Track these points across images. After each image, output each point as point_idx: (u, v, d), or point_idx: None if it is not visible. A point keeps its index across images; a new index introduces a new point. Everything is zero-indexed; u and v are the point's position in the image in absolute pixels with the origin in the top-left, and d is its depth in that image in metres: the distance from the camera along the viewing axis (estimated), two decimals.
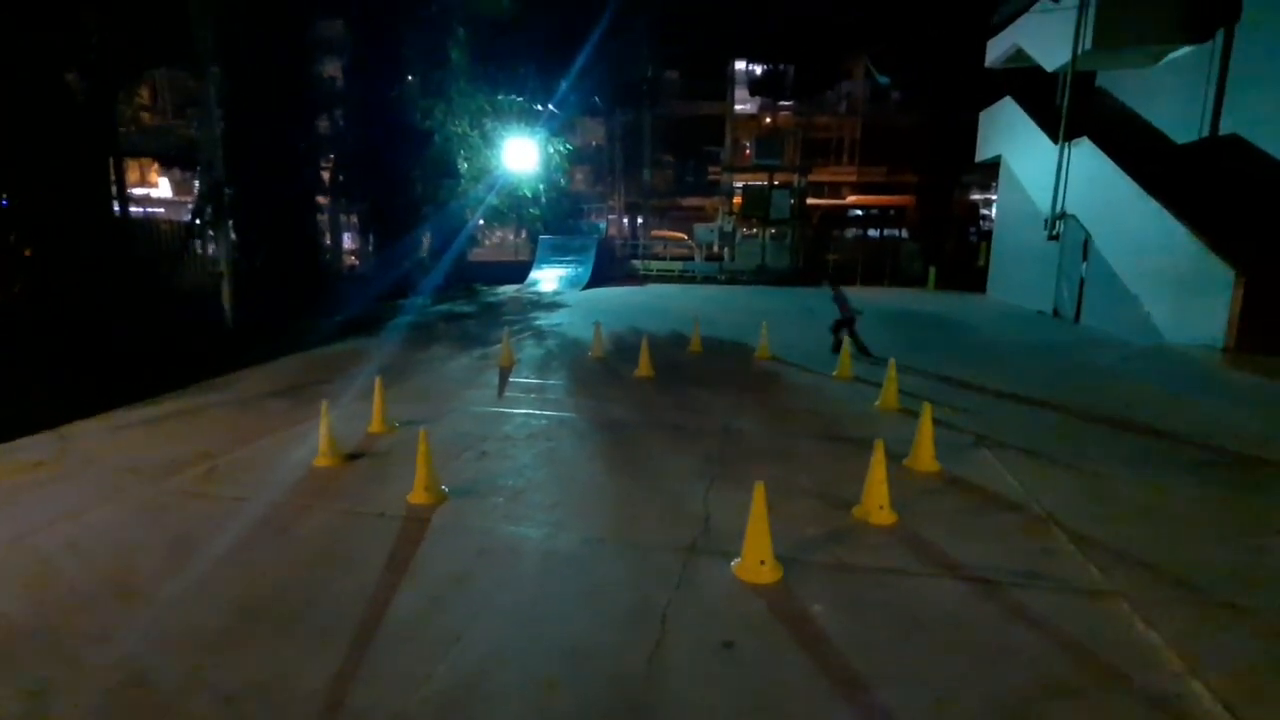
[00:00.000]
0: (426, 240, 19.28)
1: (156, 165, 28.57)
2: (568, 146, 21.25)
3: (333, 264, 18.12)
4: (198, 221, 10.79)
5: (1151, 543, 4.32)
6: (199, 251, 12.07)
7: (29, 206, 7.79)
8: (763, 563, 3.84)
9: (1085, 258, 14.39)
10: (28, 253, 7.77)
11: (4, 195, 7.70)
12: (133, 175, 29.96)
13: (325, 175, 17.16)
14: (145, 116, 23.86)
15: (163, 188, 30.98)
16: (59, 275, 8.00)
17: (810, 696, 2.90)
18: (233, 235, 11.10)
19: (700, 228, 27.91)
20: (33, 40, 7.65)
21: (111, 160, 9.46)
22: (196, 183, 14.11)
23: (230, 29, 11.49)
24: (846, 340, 9.77)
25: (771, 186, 24.87)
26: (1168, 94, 15.41)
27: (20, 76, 7.54)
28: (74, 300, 8.20)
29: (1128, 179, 12.98)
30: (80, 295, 8.29)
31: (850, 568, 3.99)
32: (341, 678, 2.98)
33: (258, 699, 2.85)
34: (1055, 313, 15.61)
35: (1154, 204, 12.06)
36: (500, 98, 18.39)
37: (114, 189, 9.51)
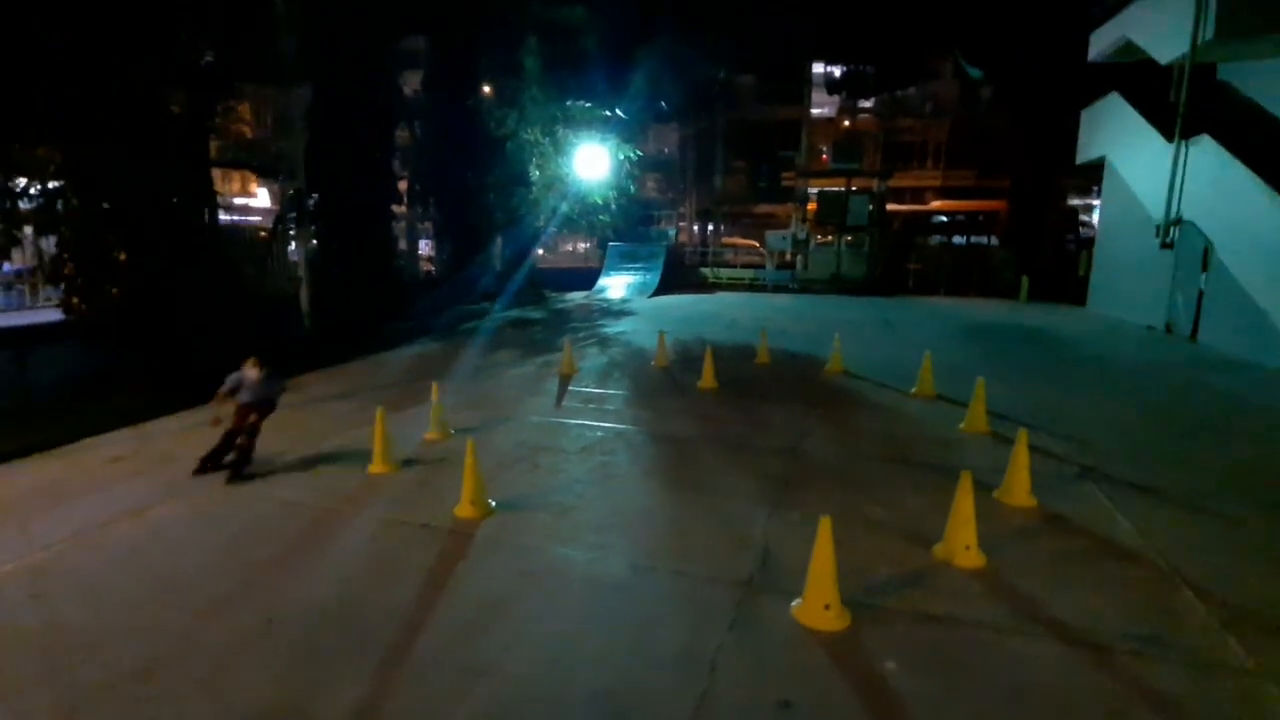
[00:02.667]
0: (498, 247, 19.57)
1: (256, 177, 30.51)
2: (638, 153, 21.09)
3: (408, 271, 18.64)
4: (280, 229, 11.25)
5: None
6: (284, 259, 12.61)
7: (125, 214, 8.25)
8: (827, 607, 3.42)
9: (1205, 268, 12.95)
10: (122, 258, 8.23)
11: (104, 202, 8.18)
12: (234, 186, 32.15)
13: (402, 185, 17.70)
14: (245, 130, 25.40)
15: (262, 197, 33.05)
16: (152, 280, 8.43)
17: None
18: (313, 242, 11.51)
19: (772, 235, 27.19)
20: (132, 57, 8.11)
21: (202, 171, 9.95)
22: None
23: (316, 45, 11.97)
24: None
25: (849, 192, 23.92)
26: None
27: (119, 91, 8.00)
28: (165, 304, 8.62)
29: (1258, 180, 11.58)
30: (171, 300, 8.71)
31: (929, 618, 3.51)
32: (361, 709, 2.80)
33: None
34: (1168, 328, 14.14)
35: None
36: (570, 104, 18.46)
37: (205, 198, 10.00)
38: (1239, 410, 8.07)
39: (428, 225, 19.59)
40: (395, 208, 15.56)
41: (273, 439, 6.40)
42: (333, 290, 11.48)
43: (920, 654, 3.21)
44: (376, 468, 5.54)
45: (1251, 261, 11.70)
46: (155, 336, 8.41)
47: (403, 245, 19.43)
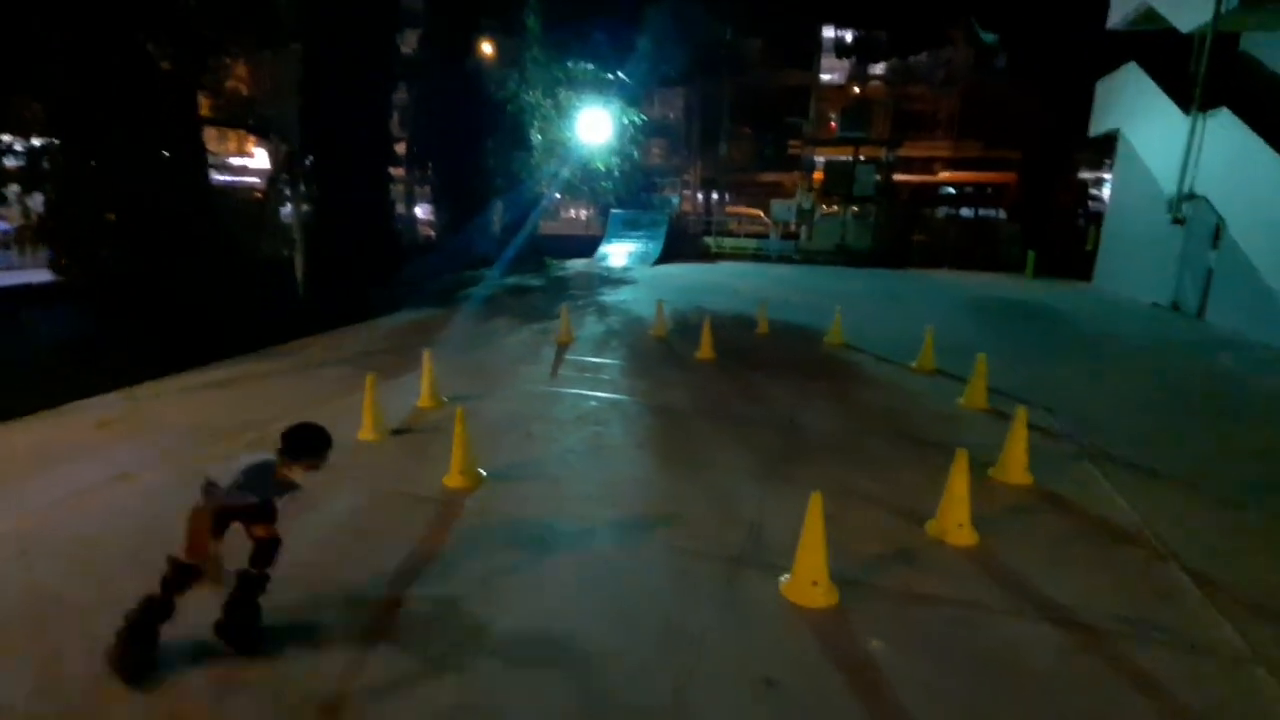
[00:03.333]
0: (498, 213, 19.28)
1: (253, 137, 30.02)
2: (642, 118, 20.64)
3: (405, 235, 18.39)
4: (275, 191, 11.04)
5: None
6: (279, 221, 12.41)
7: (113, 172, 8.06)
8: (815, 584, 3.38)
9: (1216, 245, 12.72)
10: (111, 217, 8.08)
11: (91, 159, 8.00)
12: (230, 145, 31.62)
13: (400, 147, 17.35)
14: (241, 89, 24.90)
15: (260, 158, 32.57)
16: (142, 241, 8.29)
17: None
18: (306, 205, 11.30)
19: (777, 204, 26.79)
20: (115, 9, 7.84)
21: (193, 129, 9.72)
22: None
23: (310, 1, 11.58)
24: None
25: (856, 161, 23.46)
26: None
27: (103, 45, 7.75)
28: (155, 265, 8.50)
29: (1275, 155, 11.29)
30: (161, 261, 8.59)
31: (919, 597, 3.47)
32: (348, 680, 2.77)
33: (259, 695, 2.67)
34: (1175, 306, 13.96)
35: None
36: (573, 65, 18.00)
37: (197, 157, 9.79)
38: (1243, 391, 7.97)
39: (426, 189, 19.27)
40: (393, 170, 15.26)
41: (262, 405, 6.35)
42: (328, 254, 11.31)
43: (907, 633, 3.17)
44: (366, 435, 5.48)
45: (1265, 240, 11.48)
46: (146, 298, 8.30)
47: (400, 209, 19.13)
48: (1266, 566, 3.85)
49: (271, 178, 11.33)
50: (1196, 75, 13.47)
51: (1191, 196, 13.54)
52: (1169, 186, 14.16)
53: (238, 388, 6.98)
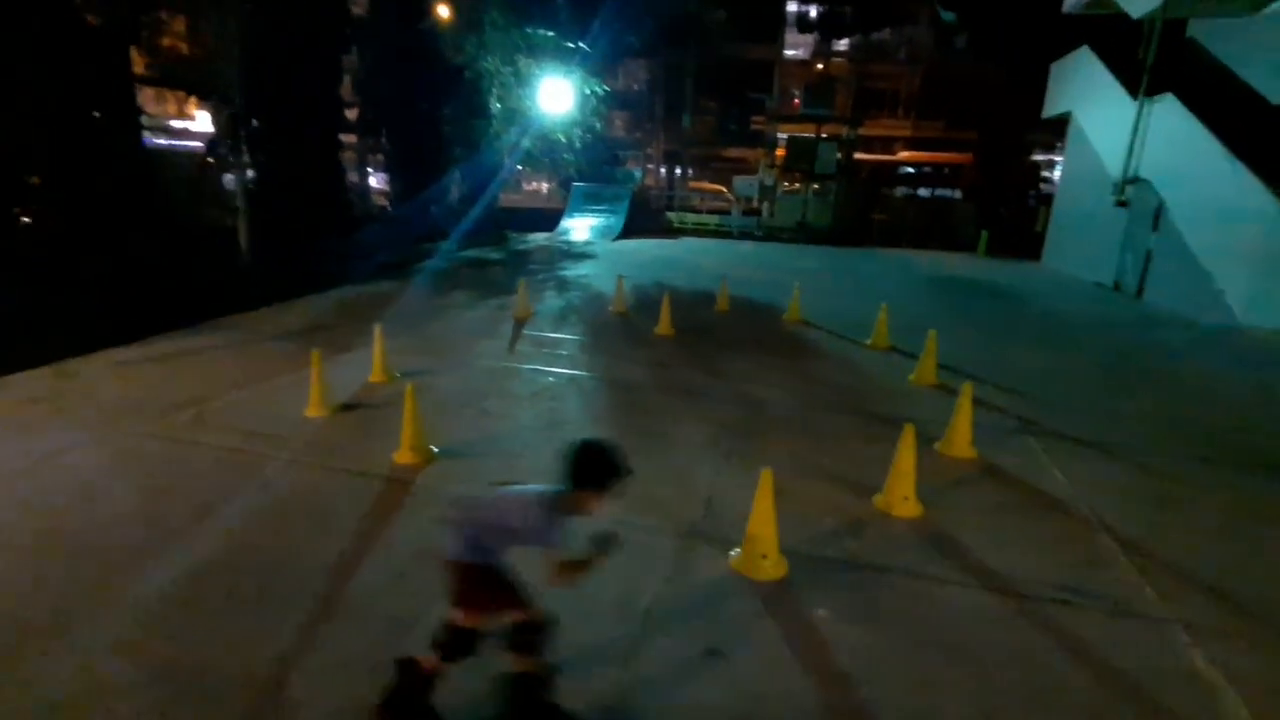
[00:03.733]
0: (456, 183, 18.79)
1: (194, 98, 28.51)
2: (604, 88, 20.26)
3: (358, 204, 17.80)
4: (217, 156, 10.52)
5: (1220, 560, 3.77)
6: (221, 187, 11.85)
7: (36, 132, 7.55)
8: (764, 557, 3.43)
9: (1156, 227, 13.21)
10: (36, 181, 7.59)
11: (10, 121, 7.47)
12: (170, 108, 29.99)
13: (352, 114, 16.70)
14: (180, 46, 23.50)
15: (203, 121, 31.00)
16: (69, 206, 7.82)
17: None
18: (251, 171, 10.82)
19: (740, 180, 26.79)
20: None
21: (125, 88, 9.16)
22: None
23: None
24: None
25: (819, 139, 23.56)
26: (1268, 48, 13.78)
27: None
28: (85, 234, 8.04)
29: (1214, 141, 11.71)
30: (92, 228, 8.13)
31: (864, 567, 3.56)
32: (284, 663, 2.71)
33: (188, 682, 2.59)
34: (1116, 286, 14.50)
35: (1242, 169, 10.87)
36: (533, 32, 17.50)
37: (130, 118, 9.24)
38: (1175, 366, 8.35)
39: (380, 157, 18.64)
40: (344, 137, 14.70)
41: (203, 381, 6.11)
42: (275, 222, 10.87)
43: (851, 603, 3.25)
44: (313, 411, 5.32)
45: (1200, 222, 11.96)
46: (76, 268, 7.86)
47: (353, 177, 18.49)
48: (1191, 534, 4.05)
49: (213, 142, 10.77)
50: (1145, 61, 13.83)
51: (1136, 180, 13.99)
52: (1115, 169, 14.60)
53: (176, 362, 6.69)
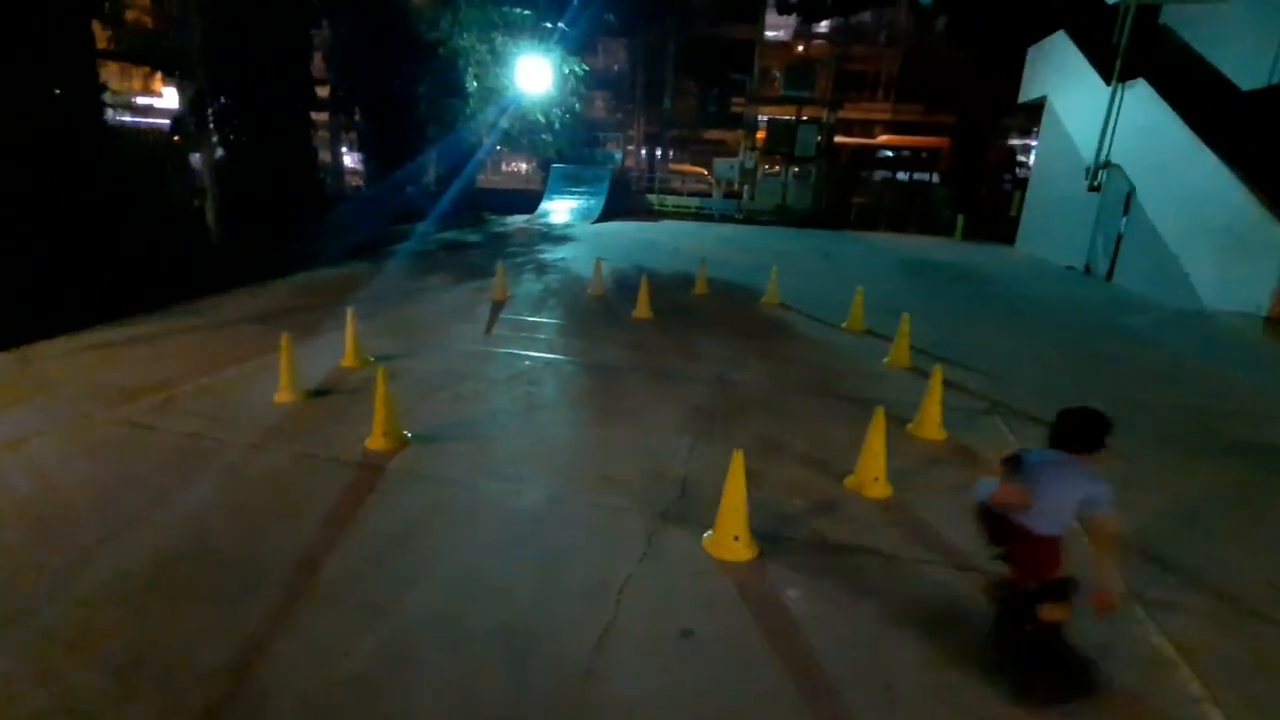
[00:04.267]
0: (432, 163, 18.47)
1: (160, 74, 27.61)
2: (583, 68, 19.97)
3: (331, 184, 17.42)
4: (183, 134, 10.21)
5: (1176, 537, 3.89)
6: (189, 166, 11.52)
7: None
8: (736, 538, 3.47)
9: (1126, 212, 13.42)
10: None
11: None
12: (135, 84, 29.03)
13: (324, 91, 16.29)
14: (144, 20, 22.68)
15: (170, 98, 30.08)
16: (27, 186, 7.55)
17: (770, 703, 2.57)
18: (219, 150, 10.53)
19: (720, 163, 26.66)
20: None
21: (86, 62, 8.82)
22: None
23: None
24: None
25: (799, 121, 23.51)
26: (1238, 34, 13.98)
27: None
28: (44, 214, 7.78)
29: (1183, 126, 11.89)
30: (52, 209, 7.87)
31: (835, 547, 3.62)
32: (251, 649, 2.69)
33: (152, 673, 2.57)
34: (1087, 269, 14.75)
35: (1209, 155, 11.06)
36: (510, 10, 17.16)
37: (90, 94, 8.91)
38: (1141, 348, 8.53)
39: (353, 136, 18.26)
40: (315, 114, 14.32)
41: (169, 365, 5.99)
42: (244, 202, 10.60)
43: (820, 583, 3.31)
44: (283, 397, 5.25)
45: (1168, 206, 12.18)
46: (35, 250, 7.61)
47: (325, 156, 18.09)
48: (1150, 513, 4.17)
49: (179, 119, 10.45)
50: (1119, 46, 13.96)
51: (1108, 165, 14.18)
52: (1088, 154, 14.78)
53: (143, 346, 6.55)
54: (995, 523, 2.63)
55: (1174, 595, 3.33)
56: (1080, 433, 2.50)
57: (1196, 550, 3.75)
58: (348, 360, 6.16)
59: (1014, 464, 2.56)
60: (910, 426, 5.18)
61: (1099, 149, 14.24)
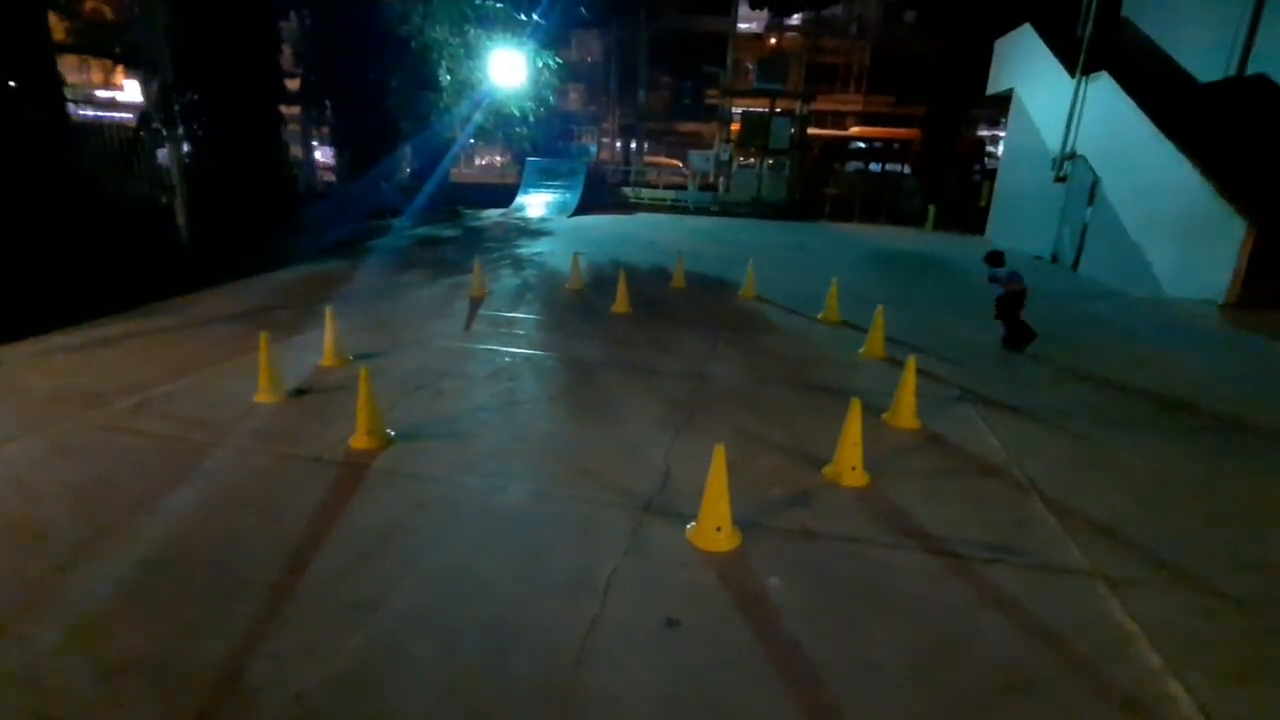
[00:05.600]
0: (407, 158, 18.27)
1: (121, 67, 26.86)
2: (558, 61, 19.86)
3: (303, 180, 17.15)
4: (148, 130, 9.96)
5: (1137, 517, 4.06)
6: (154, 162, 11.26)
7: None
8: (719, 529, 3.56)
9: (1091, 202, 13.79)
10: None
11: None
12: (96, 77, 28.21)
13: (294, 85, 16.00)
14: (104, 10, 22.04)
15: (132, 91, 29.25)
16: None
17: (754, 687, 2.66)
18: (186, 145, 10.31)
19: (695, 155, 26.76)
20: None
21: (43, 54, 8.58)
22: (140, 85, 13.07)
23: None
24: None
25: (772, 113, 23.67)
26: (1196, 28, 14.40)
27: None
28: (3, 210, 7.60)
29: (1144, 118, 12.24)
30: (10, 206, 7.69)
31: (814, 535, 3.72)
32: (241, 650, 2.71)
33: (141, 676, 2.57)
34: (1054, 259, 15.12)
35: (1169, 146, 11.40)
36: (481, 2, 16.99)
37: (49, 88, 8.67)
38: (1104, 335, 8.81)
39: (325, 130, 17.98)
40: (286, 109, 14.08)
41: (143, 367, 5.91)
42: (213, 199, 10.40)
43: (802, 569, 3.41)
44: (262, 397, 5.21)
45: (1131, 196, 12.54)
46: None
47: (297, 152, 17.79)
48: (1112, 494, 4.35)
49: (144, 113, 10.20)
50: (1083, 39, 14.28)
51: (1073, 156, 14.53)
52: (1054, 146, 15.13)
53: (113, 349, 6.44)
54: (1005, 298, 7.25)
55: (1134, 572, 3.49)
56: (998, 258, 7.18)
57: (1156, 529, 3.92)
58: (327, 359, 6.13)
59: (998, 259, 7.56)
60: (886, 415, 5.32)
61: (1064, 140, 14.59)
